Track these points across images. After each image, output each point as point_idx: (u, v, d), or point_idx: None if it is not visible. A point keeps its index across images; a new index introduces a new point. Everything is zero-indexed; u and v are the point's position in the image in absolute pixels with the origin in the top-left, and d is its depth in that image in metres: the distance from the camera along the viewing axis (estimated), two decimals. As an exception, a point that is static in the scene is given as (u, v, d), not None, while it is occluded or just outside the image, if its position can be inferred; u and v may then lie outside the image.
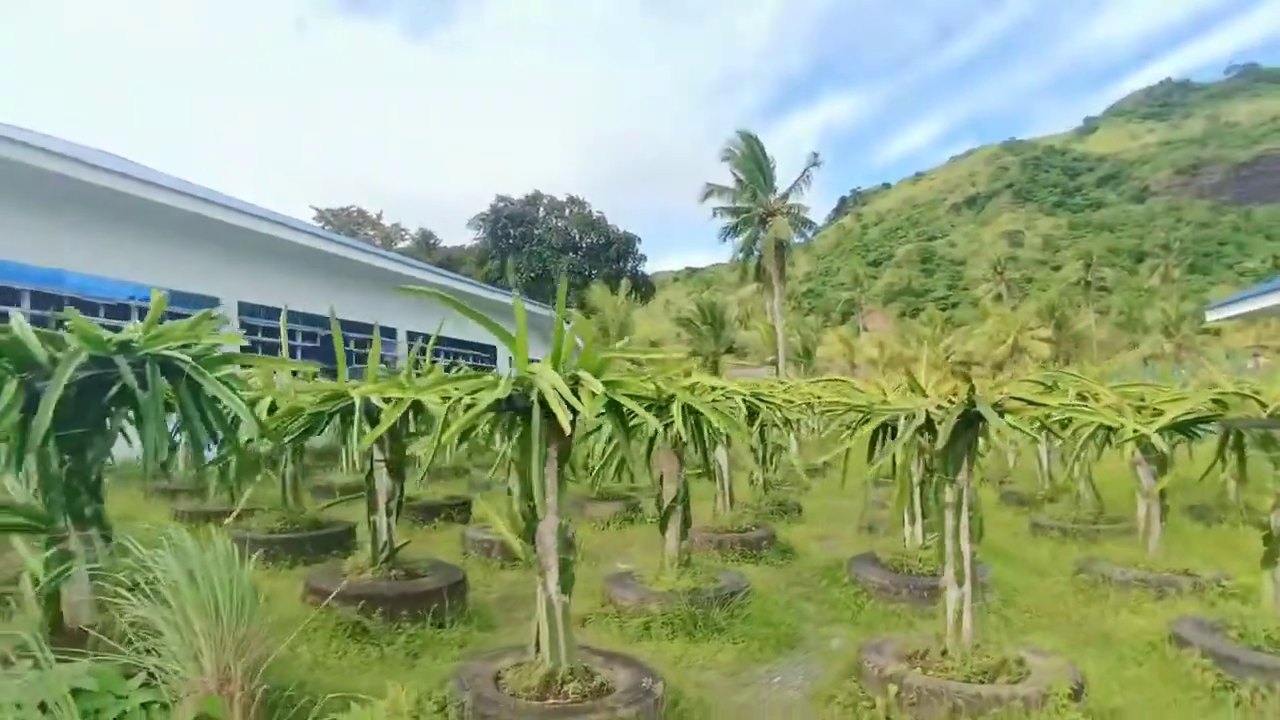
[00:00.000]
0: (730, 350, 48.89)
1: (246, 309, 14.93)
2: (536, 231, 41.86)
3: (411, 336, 19.65)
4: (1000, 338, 54.90)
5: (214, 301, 14.14)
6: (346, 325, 17.73)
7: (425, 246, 42.87)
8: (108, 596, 2.65)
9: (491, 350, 20.85)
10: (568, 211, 42.85)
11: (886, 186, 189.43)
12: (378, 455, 4.78)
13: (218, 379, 3.05)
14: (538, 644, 3.31)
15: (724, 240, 32.71)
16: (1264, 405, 4.03)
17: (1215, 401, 4.15)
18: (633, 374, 3.98)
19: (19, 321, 2.84)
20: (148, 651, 2.55)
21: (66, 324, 2.95)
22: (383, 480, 4.82)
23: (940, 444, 3.20)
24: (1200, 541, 6.94)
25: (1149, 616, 4.71)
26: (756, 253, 32.38)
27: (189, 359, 2.99)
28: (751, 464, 8.72)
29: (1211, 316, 16.48)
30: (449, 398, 3.28)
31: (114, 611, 3.16)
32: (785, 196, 31.31)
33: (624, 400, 3.05)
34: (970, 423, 3.51)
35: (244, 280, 14.95)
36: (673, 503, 5.12)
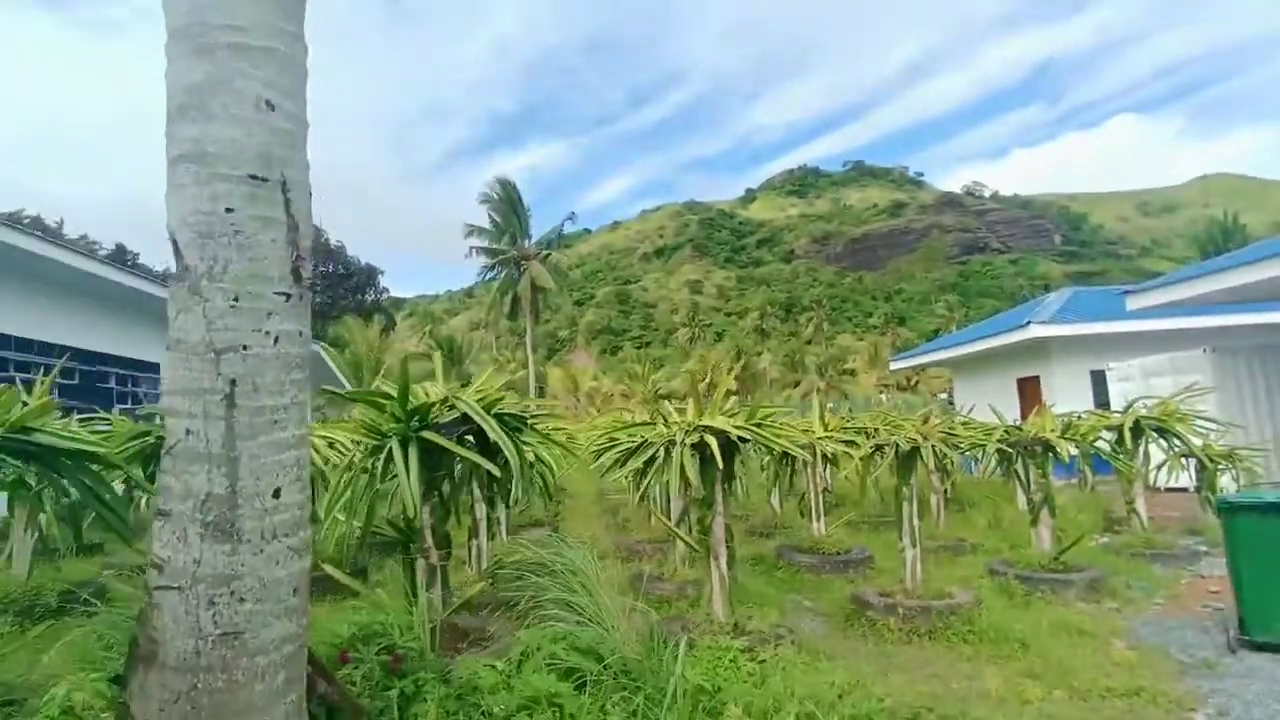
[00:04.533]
0: (466, 384, 49.46)
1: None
2: (262, 255, 38.11)
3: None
4: (700, 375, 63.16)
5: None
6: (99, 359, 15.59)
7: (123, 265, 36.33)
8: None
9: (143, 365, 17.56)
10: (299, 236, 39.71)
11: (588, 232, 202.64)
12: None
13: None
14: (711, 603, 4.85)
15: (484, 279, 33.79)
16: (1024, 433, 7.10)
17: (1006, 431, 7.15)
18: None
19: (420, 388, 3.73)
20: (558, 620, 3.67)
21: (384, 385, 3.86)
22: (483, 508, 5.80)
23: (930, 463, 5.48)
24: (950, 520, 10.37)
25: (962, 566, 7.57)
26: (509, 293, 34.06)
27: (523, 414, 4.07)
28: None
29: (895, 365, 22.64)
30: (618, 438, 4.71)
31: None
32: (542, 244, 33.57)
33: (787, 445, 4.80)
34: (914, 450, 5.89)
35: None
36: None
